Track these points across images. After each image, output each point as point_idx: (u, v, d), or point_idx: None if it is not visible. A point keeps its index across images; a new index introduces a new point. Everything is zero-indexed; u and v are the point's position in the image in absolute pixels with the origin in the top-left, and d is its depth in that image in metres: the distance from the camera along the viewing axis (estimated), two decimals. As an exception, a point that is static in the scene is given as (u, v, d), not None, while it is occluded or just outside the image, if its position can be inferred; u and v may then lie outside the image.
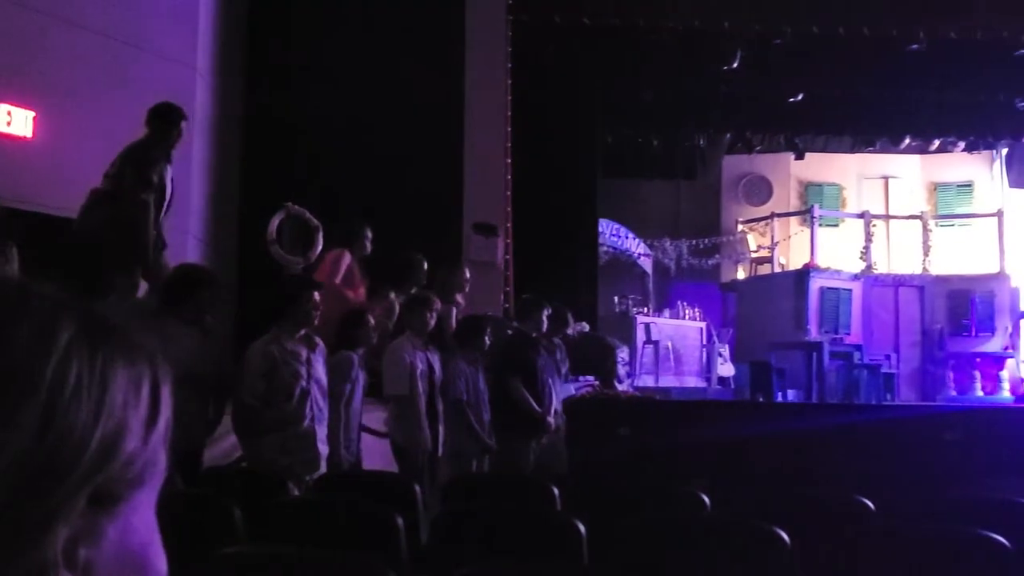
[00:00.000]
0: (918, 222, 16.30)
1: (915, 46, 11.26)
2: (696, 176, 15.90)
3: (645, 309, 14.35)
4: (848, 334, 14.62)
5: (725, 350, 14.49)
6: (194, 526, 2.80)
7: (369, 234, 7.38)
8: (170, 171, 6.22)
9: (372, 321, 5.95)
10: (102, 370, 0.58)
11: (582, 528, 3.21)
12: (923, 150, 16.28)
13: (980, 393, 14.46)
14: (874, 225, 16.16)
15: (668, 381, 13.25)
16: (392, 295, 6.99)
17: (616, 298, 14.26)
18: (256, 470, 4.98)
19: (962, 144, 15.41)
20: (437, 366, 6.18)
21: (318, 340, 5.28)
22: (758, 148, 15.51)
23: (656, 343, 13.39)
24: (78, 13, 7.76)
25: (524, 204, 10.41)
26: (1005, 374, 14.66)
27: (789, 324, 14.53)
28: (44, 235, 6.08)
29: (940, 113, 13.45)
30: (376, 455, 6.12)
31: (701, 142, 15.27)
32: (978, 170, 16.94)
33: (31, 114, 7.47)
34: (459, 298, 7.39)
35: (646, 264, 16.30)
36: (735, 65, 11.49)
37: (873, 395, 12.18)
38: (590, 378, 9.29)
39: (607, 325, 12.44)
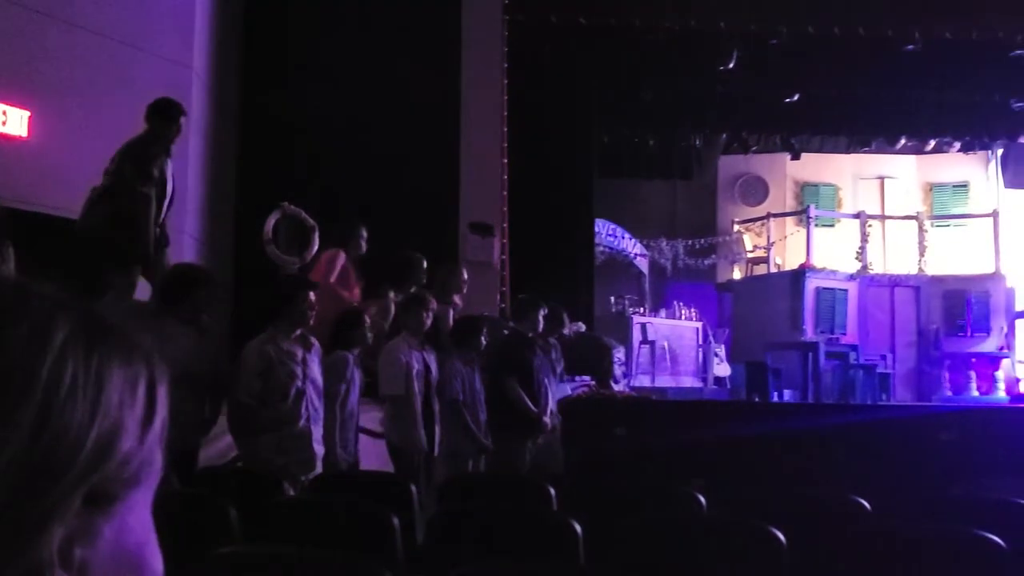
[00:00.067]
0: (914, 222, 16.32)
1: (911, 46, 11.27)
2: (692, 176, 15.92)
3: (641, 309, 14.35)
4: (844, 334, 14.64)
5: (721, 350, 14.50)
6: (190, 526, 2.79)
7: (364, 234, 7.38)
8: (170, 166, 6.22)
9: (368, 321, 5.94)
10: (98, 370, 0.58)
11: (578, 528, 3.21)
12: (919, 150, 16.30)
13: (976, 393, 14.49)
14: (870, 225, 16.19)
15: (664, 381, 13.26)
16: (391, 294, 6.99)
17: (612, 298, 14.27)
18: (252, 470, 4.98)
19: (958, 144, 15.42)
20: (433, 366, 6.18)
21: (314, 340, 5.28)
22: (754, 148, 15.52)
23: (652, 343, 13.40)
24: (74, 12, 7.74)
25: (520, 204, 10.41)
26: (1000, 374, 14.69)
27: (785, 324, 14.54)
28: (40, 235, 6.06)
29: (936, 113, 13.47)
30: (372, 455, 6.12)
31: (697, 142, 15.27)
32: (974, 170, 16.96)
33: (26, 113, 7.45)
34: (456, 299, 7.39)
35: (642, 264, 16.32)
36: (731, 65, 11.50)
37: (869, 395, 12.21)
38: (586, 378, 9.30)
39: (603, 325, 12.45)
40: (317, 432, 5.15)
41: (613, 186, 15.00)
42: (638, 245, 16.24)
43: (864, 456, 7.72)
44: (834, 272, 15.25)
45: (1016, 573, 3.04)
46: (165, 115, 6.13)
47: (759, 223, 16.90)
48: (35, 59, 7.46)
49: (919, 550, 3.16)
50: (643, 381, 12.67)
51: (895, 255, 16.37)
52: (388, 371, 6.00)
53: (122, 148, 6.06)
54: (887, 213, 16.78)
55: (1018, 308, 15.30)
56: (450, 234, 9.80)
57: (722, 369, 14.03)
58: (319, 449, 5.16)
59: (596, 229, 13.42)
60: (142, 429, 0.60)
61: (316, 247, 7.90)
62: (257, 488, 4.18)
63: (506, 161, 10.29)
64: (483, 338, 6.49)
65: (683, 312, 14.61)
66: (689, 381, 13.90)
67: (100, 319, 0.61)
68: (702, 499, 4.01)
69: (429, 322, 6.23)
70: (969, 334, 14.99)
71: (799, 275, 14.96)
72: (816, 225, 15.94)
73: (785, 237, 16.52)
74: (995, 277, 15.41)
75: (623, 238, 15.89)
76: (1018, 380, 14.62)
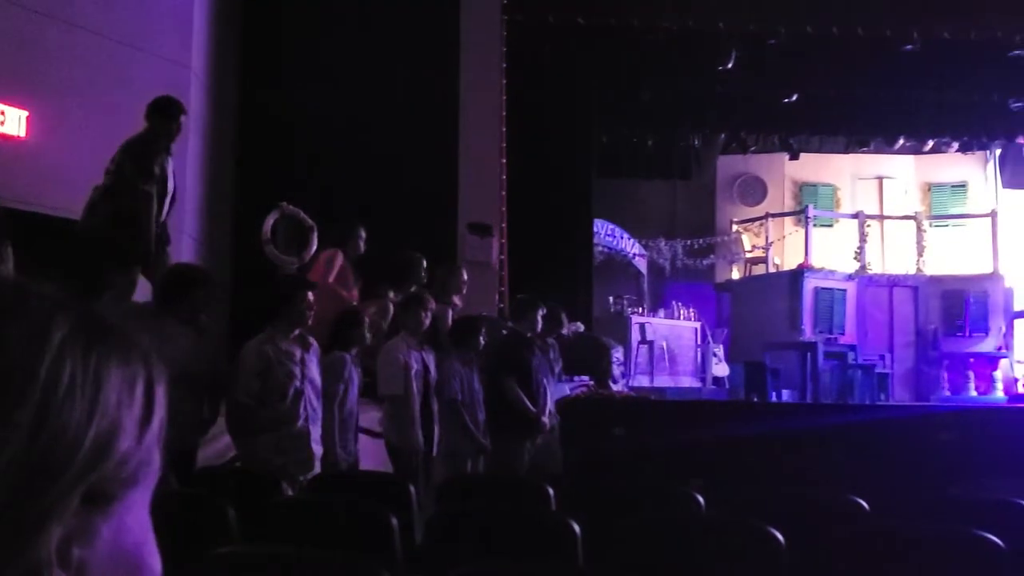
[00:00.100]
0: (912, 222, 16.33)
1: (909, 47, 11.28)
2: (691, 176, 15.92)
3: (640, 309, 14.35)
4: (842, 334, 14.65)
5: (720, 350, 14.51)
6: (188, 526, 2.79)
7: (363, 234, 7.38)
8: (171, 163, 6.22)
9: (367, 321, 5.94)
10: (96, 369, 0.58)
11: (577, 528, 3.21)
12: (917, 150, 16.31)
13: (974, 393, 14.50)
14: (868, 225, 16.20)
15: (663, 381, 13.26)
16: (391, 294, 6.99)
17: (611, 298, 14.28)
18: (250, 470, 4.98)
19: (956, 145, 15.44)
20: (432, 366, 6.18)
21: (312, 340, 5.28)
22: (753, 148, 15.53)
23: (651, 343, 13.40)
24: (72, 12, 7.74)
25: (519, 204, 10.42)
26: (999, 374, 14.69)
27: (783, 324, 14.55)
28: (37, 235, 6.05)
29: (934, 113, 13.49)
30: (371, 455, 6.11)
31: (696, 142, 15.28)
32: (972, 171, 16.97)
33: (24, 113, 7.45)
34: (456, 300, 7.39)
35: (641, 264, 16.32)
36: (730, 65, 11.50)
37: (867, 395, 12.21)
38: (585, 378, 9.30)
39: (602, 325, 12.45)
40: (315, 432, 5.15)
41: (612, 186, 15.01)
42: (637, 245, 16.24)
43: (862, 456, 7.73)
44: (832, 272, 15.26)
45: (1015, 573, 3.04)
46: (165, 113, 6.13)
47: (758, 223, 16.90)
48: (33, 59, 7.46)
49: (917, 550, 3.16)
50: (642, 381, 12.67)
51: (893, 255, 16.38)
52: (387, 371, 6.00)
53: (122, 146, 6.05)
54: (885, 213, 16.79)
55: (1016, 308, 15.31)
56: (449, 234, 9.80)
57: (720, 369, 14.03)
58: (317, 449, 5.16)
59: (595, 229, 13.43)
60: (140, 429, 0.60)
61: (315, 247, 7.91)
62: (255, 488, 4.18)
63: (505, 161, 10.30)
64: (482, 338, 6.49)
65: (682, 312, 14.61)
66: (688, 381, 13.90)
67: (98, 319, 0.61)
68: (700, 499, 4.01)
69: (428, 322, 6.23)
70: (967, 334, 15.00)
71: (797, 275, 14.96)
72: (814, 225, 15.94)
73: (784, 237, 16.53)
74: (993, 277, 15.42)
75: (622, 238, 15.90)
76: (1016, 380, 14.63)
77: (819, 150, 16.39)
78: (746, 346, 13.84)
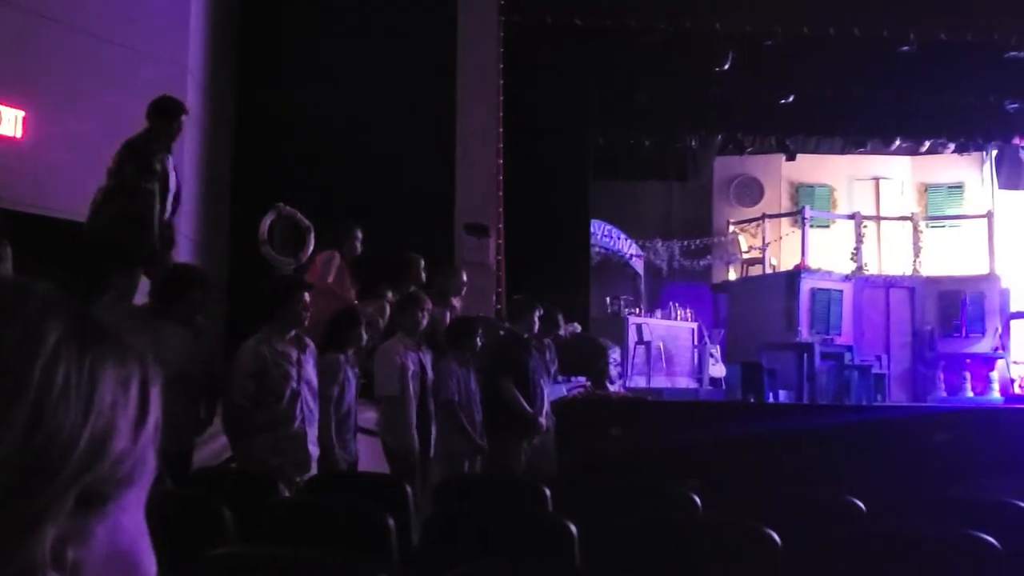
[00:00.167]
0: (909, 223, 16.35)
1: (906, 48, 11.30)
2: (688, 177, 15.93)
3: (637, 310, 14.36)
4: (839, 335, 14.65)
5: (716, 351, 14.52)
6: (184, 527, 2.78)
7: (359, 235, 7.37)
8: (172, 162, 6.21)
9: (363, 321, 5.94)
10: (90, 370, 0.58)
11: (574, 529, 3.21)
12: (914, 151, 16.33)
13: (970, 394, 14.50)
14: (865, 226, 16.21)
15: (660, 382, 13.26)
16: (389, 294, 6.99)
17: (608, 299, 14.28)
18: (246, 471, 4.97)
19: (952, 146, 15.47)
20: (429, 367, 6.18)
21: (308, 341, 5.27)
22: (749, 149, 15.55)
23: (648, 344, 13.40)
24: (68, 13, 7.73)
25: (516, 205, 10.42)
26: (995, 375, 14.70)
27: (780, 325, 14.55)
28: (35, 236, 6.05)
29: (931, 115, 13.51)
30: (368, 456, 6.11)
31: (693, 143, 15.29)
32: (968, 172, 17.00)
33: (20, 114, 7.44)
34: (455, 301, 7.37)
35: (638, 265, 16.33)
36: (727, 66, 11.52)
37: (864, 396, 12.20)
38: (582, 379, 9.30)
39: (599, 326, 12.46)
40: (312, 433, 5.15)
41: (609, 187, 15.01)
42: (634, 246, 16.25)
43: (859, 456, 7.74)
44: (829, 273, 15.27)
45: (1011, 574, 3.05)
46: (166, 113, 6.13)
47: (754, 224, 16.91)
48: (29, 59, 7.45)
49: (914, 550, 3.16)
50: (638, 382, 12.68)
51: (890, 256, 16.39)
52: (383, 372, 6.00)
53: (122, 146, 6.05)
54: (882, 214, 16.80)
55: (1013, 309, 15.32)
56: (446, 235, 9.80)
57: (717, 370, 14.04)
58: (314, 450, 5.15)
59: (592, 230, 13.44)
60: (135, 429, 0.60)
61: (311, 248, 7.90)
62: (252, 489, 4.17)
63: (502, 162, 10.30)
64: (478, 339, 6.49)
65: (678, 313, 14.62)
66: (684, 382, 13.91)
67: (94, 320, 0.61)
68: (697, 500, 4.01)
69: (424, 322, 6.22)
70: (964, 335, 15.01)
71: (794, 276, 14.97)
72: (811, 226, 15.95)
73: (780, 238, 16.54)
74: (990, 278, 15.43)
75: (619, 239, 15.91)
76: (1012, 381, 14.64)
77: (815, 151, 16.38)
78: (743, 347, 13.83)
